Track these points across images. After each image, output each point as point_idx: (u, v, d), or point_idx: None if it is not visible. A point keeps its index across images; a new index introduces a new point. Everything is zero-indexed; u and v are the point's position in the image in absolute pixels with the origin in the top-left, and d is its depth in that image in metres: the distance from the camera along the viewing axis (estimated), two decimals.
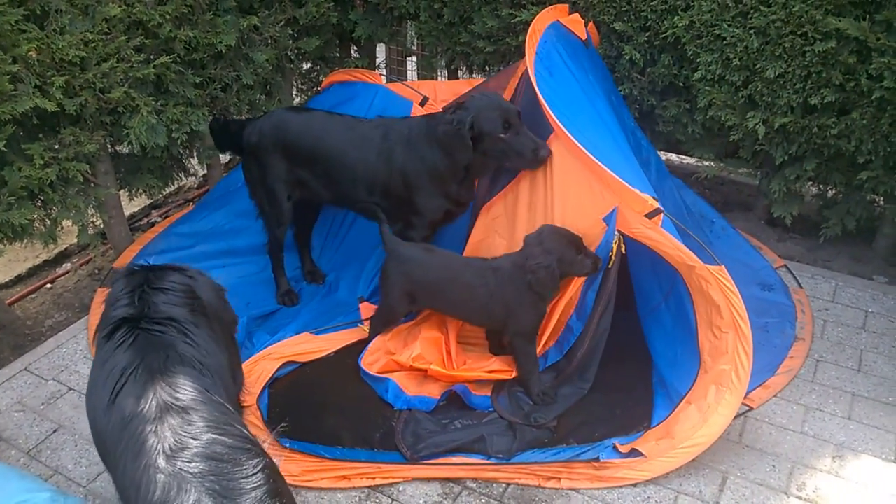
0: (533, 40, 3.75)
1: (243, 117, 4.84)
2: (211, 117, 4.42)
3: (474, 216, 3.86)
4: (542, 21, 3.93)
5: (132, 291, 2.51)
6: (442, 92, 4.58)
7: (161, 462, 1.97)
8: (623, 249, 3.30)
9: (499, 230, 3.76)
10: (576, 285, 3.42)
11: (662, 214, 3.18)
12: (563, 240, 3.31)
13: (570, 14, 4.29)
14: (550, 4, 4.27)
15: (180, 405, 2.13)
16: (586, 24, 4.33)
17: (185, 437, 2.02)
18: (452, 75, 5.59)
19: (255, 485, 1.95)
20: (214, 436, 2.04)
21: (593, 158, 3.28)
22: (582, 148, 3.31)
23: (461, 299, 3.56)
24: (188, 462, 1.96)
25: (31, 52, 3.51)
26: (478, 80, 4.95)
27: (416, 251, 3.65)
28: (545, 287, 3.35)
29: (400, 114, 4.23)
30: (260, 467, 2.00)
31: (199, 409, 2.13)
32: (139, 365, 2.26)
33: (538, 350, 3.53)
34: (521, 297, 3.38)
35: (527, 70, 3.61)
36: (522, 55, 3.73)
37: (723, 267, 3.11)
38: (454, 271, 3.56)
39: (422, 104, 4.22)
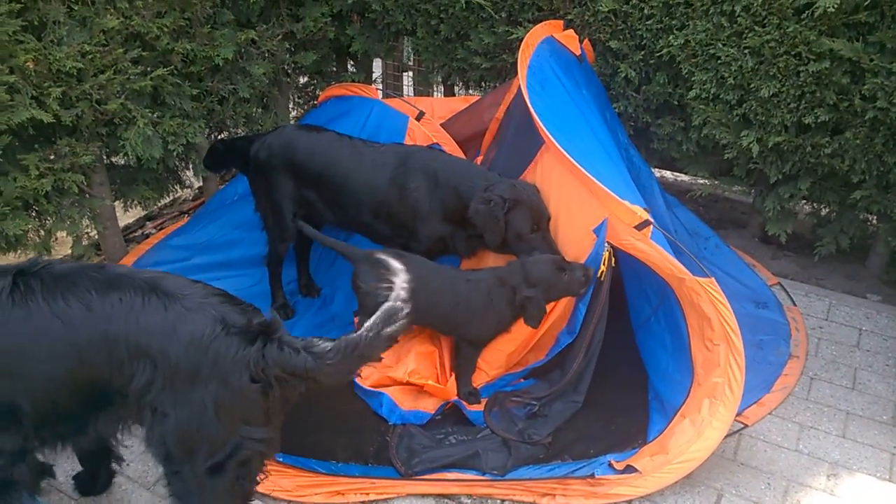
0: (525, 54, 3.77)
1: (241, 131, 4.85)
2: (215, 139, 4.37)
3: None
4: (536, 36, 3.96)
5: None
6: (438, 107, 4.61)
7: None
8: (614, 263, 3.30)
9: None
10: (569, 300, 3.43)
11: (652, 226, 3.18)
12: (545, 268, 3.34)
13: (564, 31, 4.32)
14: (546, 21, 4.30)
15: None
16: (581, 42, 4.36)
17: None
18: (449, 91, 5.61)
19: None
20: None
21: (583, 170, 3.29)
22: (572, 160, 3.31)
23: (425, 304, 3.49)
24: None
25: (28, 63, 3.52)
26: (474, 96, 4.98)
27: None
28: (537, 319, 3.40)
29: (395, 128, 4.24)
30: None
31: None
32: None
33: (522, 364, 3.60)
34: (489, 311, 3.44)
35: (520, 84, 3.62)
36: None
37: (713, 279, 3.12)
38: (421, 276, 3.50)
39: (418, 118, 4.22)
